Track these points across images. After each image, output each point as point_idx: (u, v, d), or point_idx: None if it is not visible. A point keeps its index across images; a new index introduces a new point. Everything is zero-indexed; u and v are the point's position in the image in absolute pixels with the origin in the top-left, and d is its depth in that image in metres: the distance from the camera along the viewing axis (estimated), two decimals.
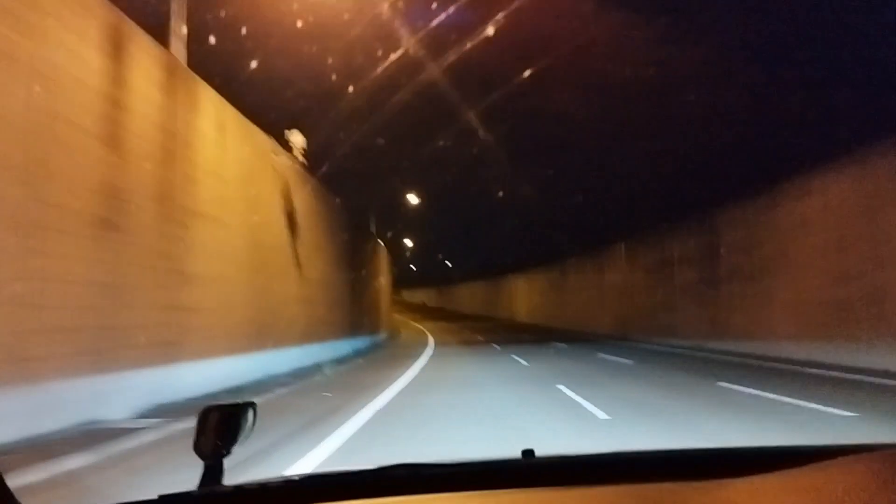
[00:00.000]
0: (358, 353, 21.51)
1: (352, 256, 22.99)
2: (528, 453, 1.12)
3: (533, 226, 42.11)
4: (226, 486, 1.04)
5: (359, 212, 26.07)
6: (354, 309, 22.88)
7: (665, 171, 20.24)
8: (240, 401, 1.18)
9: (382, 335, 33.38)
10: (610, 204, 27.60)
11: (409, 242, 47.45)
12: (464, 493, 0.96)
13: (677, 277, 23.67)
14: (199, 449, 1.08)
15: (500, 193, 33.18)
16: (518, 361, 17.89)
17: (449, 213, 39.16)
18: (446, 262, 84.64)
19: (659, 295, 25.73)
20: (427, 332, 41.10)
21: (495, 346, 26.58)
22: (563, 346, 25.91)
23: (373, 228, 29.64)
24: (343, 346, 19.78)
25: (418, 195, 26.62)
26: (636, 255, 28.86)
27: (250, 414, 1.17)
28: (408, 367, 15.50)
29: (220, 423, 1.10)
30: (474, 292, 77.96)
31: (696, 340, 21.35)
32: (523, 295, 56.95)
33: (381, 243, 35.44)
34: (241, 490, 0.99)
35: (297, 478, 1.10)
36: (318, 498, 0.94)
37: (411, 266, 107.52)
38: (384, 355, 22.36)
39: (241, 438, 1.12)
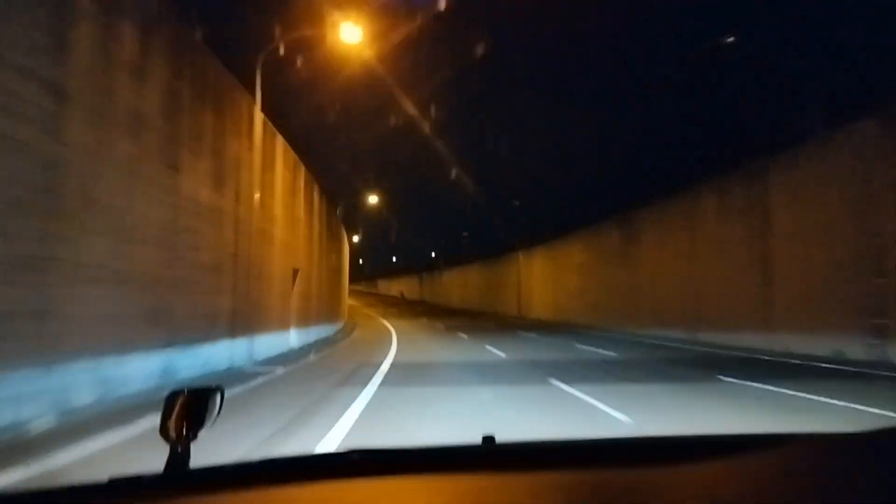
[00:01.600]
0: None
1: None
2: (488, 439, 1.11)
3: (563, 156, 24.21)
4: (190, 469, 1.02)
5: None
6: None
7: None
8: (208, 385, 1.16)
9: (286, 341, 14.83)
10: None
11: (379, 221, 29.96)
12: (422, 476, 0.95)
13: None
14: (165, 432, 1.05)
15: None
16: None
17: (428, 165, 22.61)
18: (425, 238, 66.86)
19: None
20: (392, 335, 23.01)
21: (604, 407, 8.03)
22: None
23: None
24: None
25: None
26: None
27: (218, 398, 1.14)
28: None
29: (186, 407, 1.08)
30: (467, 280, 59.50)
31: None
32: (543, 279, 38.59)
33: (305, 170, 17.15)
34: (203, 473, 0.96)
35: (255, 462, 0.98)
36: (277, 480, 0.91)
37: (389, 257, 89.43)
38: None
39: (208, 423, 1.09)
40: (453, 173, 29.11)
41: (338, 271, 31.60)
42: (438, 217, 48.64)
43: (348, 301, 67.54)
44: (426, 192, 36.12)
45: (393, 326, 29.72)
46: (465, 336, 22.21)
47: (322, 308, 22.98)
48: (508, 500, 0.82)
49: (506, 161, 26.23)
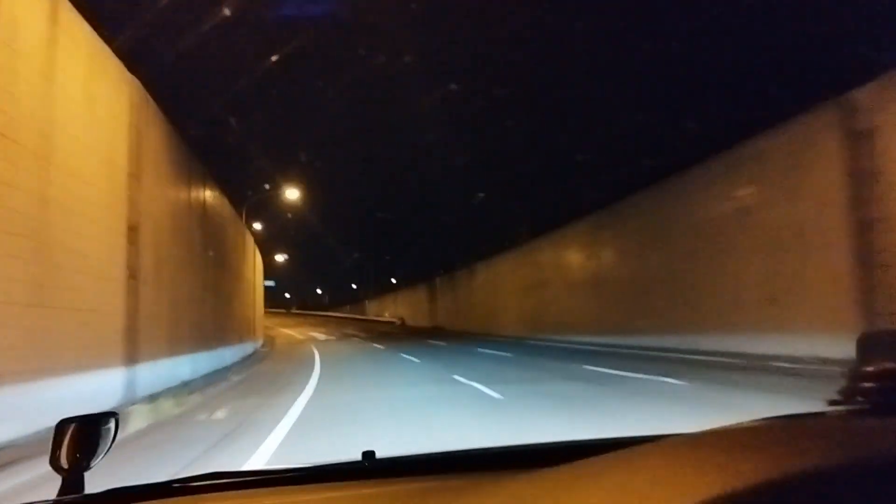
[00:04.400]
0: None
1: None
2: (368, 455, 1.10)
3: None
4: (83, 495, 1.00)
5: None
6: None
7: None
8: (101, 412, 1.13)
9: None
10: None
11: None
12: (297, 494, 0.95)
13: None
14: (55, 463, 1.02)
15: None
16: None
17: None
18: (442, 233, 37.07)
19: None
20: None
21: None
22: None
23: None
24: None
25: None
26: None
27: (112, 424, 1.10)
28: None
29: (77, 435, 1.04)
30: (541, 269, 26.81)
31: None
32: None
33: None
34: (94, 498, 0.96)
35: (138, 486, 0.98)
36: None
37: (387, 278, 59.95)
38: None
39: (101, 451, 1.06)
40: None
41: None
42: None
43: (313, 333, 37.96)
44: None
45: None
46: None
47: None
48: None
49: None
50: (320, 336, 37.24)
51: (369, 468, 1.06)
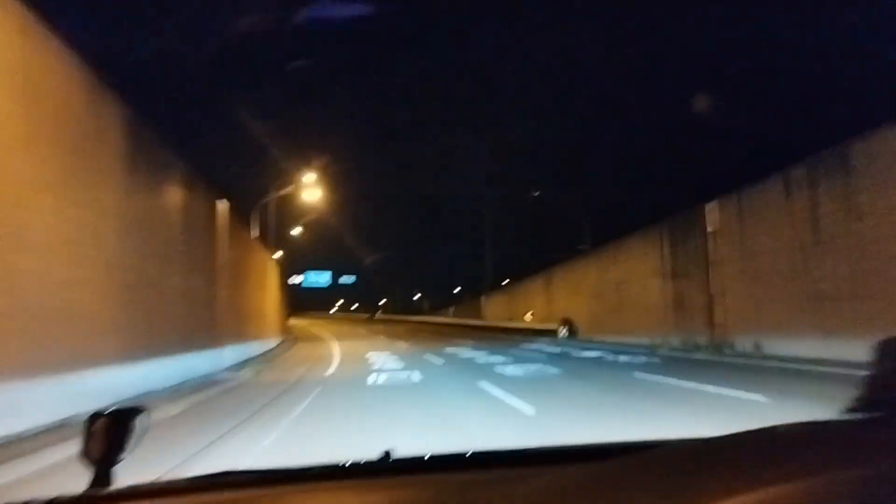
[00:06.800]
0: None
1: None
2: (386, 453, 1.11)
3: None
4: (108, 491, 1.00)
5: None
6: None
7: None
8: (131, 406, 1.12)
9: None
10: None
11: None
12: (315, 491, 0.96)
13: None
14: (86, 455, 1.03)
15: None
16: None
17: None
18: None
19: None
20: None
21: None
22: None
23: None
24: None
25: None
26: None
27: (140, 419, 1.10)
28: None
29: (107, 429, 1.06)
30: None
31: None
32: None
33: None
34: (119, 494, 0.95)
35: (165, 483, 1.02)
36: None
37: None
38: None
39: (130, 445, 1.07)
40: None
41: None
42: None
43: (374, 353, 18.66)
44: None
45: None
46: None
47: None
48: None
49: None
50: (381, 369, 10.17)
51: (388, 465, 1.06)
